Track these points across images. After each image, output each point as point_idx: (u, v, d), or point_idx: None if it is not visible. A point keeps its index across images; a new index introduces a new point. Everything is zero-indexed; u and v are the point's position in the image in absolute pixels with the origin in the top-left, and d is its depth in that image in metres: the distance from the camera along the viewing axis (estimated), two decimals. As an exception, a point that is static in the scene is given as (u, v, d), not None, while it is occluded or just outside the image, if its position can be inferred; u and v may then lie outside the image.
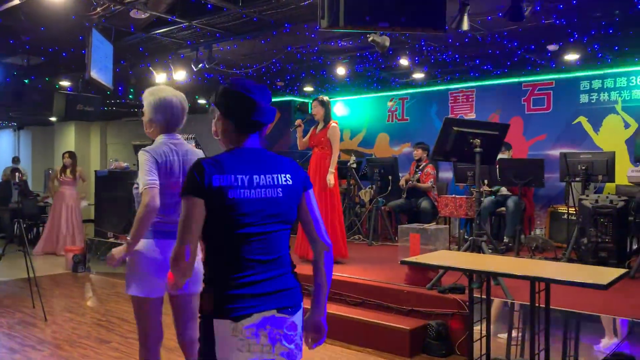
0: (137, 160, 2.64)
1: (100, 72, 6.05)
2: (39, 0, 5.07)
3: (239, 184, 1.77)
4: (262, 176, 1.82)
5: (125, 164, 8.66)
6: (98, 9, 5.45)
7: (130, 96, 11.05)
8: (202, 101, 12.06)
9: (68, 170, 8.96)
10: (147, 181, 2.53)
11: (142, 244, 2.59)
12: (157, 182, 2.56)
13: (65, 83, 9.40)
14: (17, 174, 9.37)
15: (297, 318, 1.87)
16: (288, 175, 1.87)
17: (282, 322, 1.80)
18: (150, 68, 7.99)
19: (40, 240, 8.98)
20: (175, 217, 2.47)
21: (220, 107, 1.89)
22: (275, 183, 1.84)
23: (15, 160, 13.90)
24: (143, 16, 5.59)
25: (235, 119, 1.86)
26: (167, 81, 8.11)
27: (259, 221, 1.80)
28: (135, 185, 2.62)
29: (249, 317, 1.74)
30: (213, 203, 1.75)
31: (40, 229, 10.29)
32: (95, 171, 9.12)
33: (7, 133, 18.47)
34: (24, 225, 9.51)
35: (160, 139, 2.72)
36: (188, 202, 1.76)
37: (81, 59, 6.34)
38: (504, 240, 6.49)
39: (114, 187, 8.20)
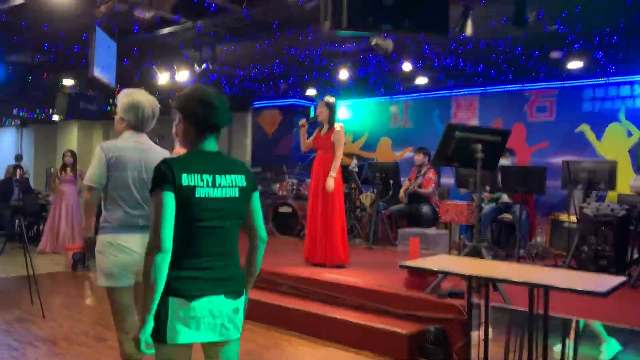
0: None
1: (104, 71, 6.06)
2: (44, -2, 5.09)
3: (204, 183, 1.98)
4: (223, 177, 2.04)
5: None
6: (102, 7, 5.46)
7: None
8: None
9: (68, 169, 8.97)
10: (87, 177, 2.83)
11: (109, 237, 2.79)
12: (97, 178, 2.79)
13: (68, 81, 9.42)
14: (18, 171, 9.39)
15: (240, 303, 2.12)
16: (243, 177, 2.10)
17: (228, 305, 2.04)
18: (154, 68, 8.01)
19: (42, 239, 8.97)
20: (137, 211, 2.82)
21: (182, 111, 2.08)
22: (233, 184, 2.06)
23: (18, 158, 13.91)
24: (147, 15, 5.60)
25: (196, 123, 2.06)
26: (170, 82, 8.13)
27: (218, 217, 2.02)
28: None
29: (201, 298, 1.96)
30: (181, 199, 1.95)
31: (41, 226, 10.30)
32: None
33: (10, 131, 18.51)
34: (25, 223, 9.55)
35: (126, 134, 2.92)
36: (160, 196, 1.93)
37: (85, 57, 6.36)
38: (520, 254, 6.22)
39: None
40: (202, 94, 2.07)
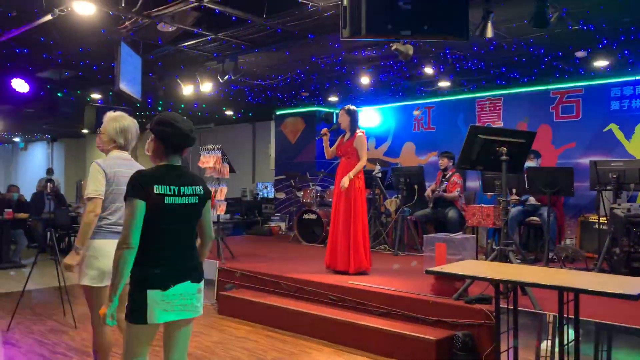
0: (91, 168, 3.20)
1: (129, 85, 6.19)
2: (70, 16, 5.22)
3: (172, 192, 2.43)
4: (186, 187, 2.48)
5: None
6: (127, 23, 5.59)
7: (159, 108, 11.26)
8: (228, 112, 12.22)
9: None
10: (91, 190, 3.12)
11: (102, 242, 3.15)
12: (101, 191, 3.14)
13: (96, 96, 9.64)
14: (49, 184, 9.62)
15: (201, 285, 2.58)
16: (200, 187, 2.55)
17: (193, 288, 2.51)
18: (178, 80, 8.14)
19: None
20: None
21: (154, 132, 2.49)
22: (194, 193, 2.51)
23: (49, 171, 14.26)
24: (170, 29, 5.71)
25: (165, 142, 2.48)
26: (195, 93, 8.25)
27: (182, 220, 2.50)
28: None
29: (174, 287, 2.43)
30: (153, 205, 2.37)
31: (72, 238, 10.52)
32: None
33: (41, 145, 19.01)
34: (57, 235, 9.76)
35: (115, 153, 3.31)
36: (133, 204, 2.35)
37: (111, 72, 6.50)
38: (550, 256, 6.09)
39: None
40: (171, 119, 2.49)
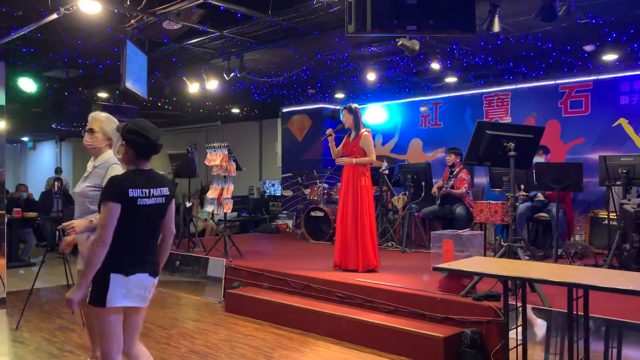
0: (111, 171, 3.27)
1: (135, 83, 6.19)
2: (76, 15, 5.23)
3: (143, 194, 2.68)
4: (155, 189, 2.74)
5: (161, 172, 8.81)
6: (132, 21, 5.59)
7: (166, 106, 11.28)
8: (235, 110, 12.22)
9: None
10: None
11: None
12: None
13: (102, 94, 9.67)
14: (57, 183, 9.67)
15: (156, 281, 2.82)
16: (166, 189, 2.80)
17: (150, 281, 2.75)
18: (184, 78, 8.14)
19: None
20: None
21: (127, 140, 2.73)
22: (162, 194, 2.77)
23: (58, 170, 14.35)
24: (175, 27, 5.70)
25: (134, 149, 2.73)
26: (201, 90, 8.25)
27: (150, 218, 2.75)
28: (95, 189, 3.30)
29: (134, 275, 2.67)
30: (127, 206, 2.62)
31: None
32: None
33: (49, 144, 19.12)
34: (65, 234, 9.81)
35: (111, 153, 3.45)
36: (110, 205, 2.60)
37: (117, 70, 6.51)
38: (559, 252, 5.99)
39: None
40: (141, 128, 2.73)
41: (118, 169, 3.30)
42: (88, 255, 2.60)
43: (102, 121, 3.46)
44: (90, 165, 3.51)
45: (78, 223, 3.15)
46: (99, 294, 2.62)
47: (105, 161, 3.42)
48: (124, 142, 2.75)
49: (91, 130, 3.45)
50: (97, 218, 3.05)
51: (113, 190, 2.63)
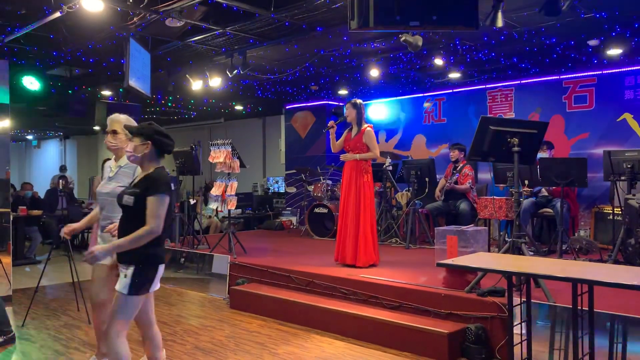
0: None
1: (139, 81, 6.19)
2: (79, 13, 5.23)
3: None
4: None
5: (166, 170, 8.81)
6: (135, 19, 5.59)
7: (169, 104, 11.29)
8: (238, 107, 12.22)
9: None
10: None
11: None
12: None
13: (106, 92, 9.68)
14: (61, 181, 9.70)
15: None
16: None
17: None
18: (187, 75, 8.14)
19: (90, 247, 9.20)
20: None
21: (154, 140, 2.96)
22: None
23: (63, 168, 14.40)
24: (178, 24, 5.70)
25: (161, 150, 3.00)
26: (204, 88, 8.25)
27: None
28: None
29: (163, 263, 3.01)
30: (170, 200, 2.93)
31: (86, 235, 10.61)
32: (136, 177, 9.35)
33: (54, 142, 19.18)
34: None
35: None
36: (164, 199, 2.86)
37: (120, 68, 6.52)
38: (563, 248, 5.99)
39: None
40: (166, 131, 3.04)
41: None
42: (132, 238, 2.79)
43: (124, 122, 3.58)
44: (113, 165, 3.64)
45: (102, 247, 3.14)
46: (144, 284, 2.87)
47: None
48: (149, 141, 2.94)
49: (114, 132, 3.59)
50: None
51: (164, 183, 2.87)
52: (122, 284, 2.86)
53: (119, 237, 2.91)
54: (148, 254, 2.84)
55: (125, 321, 2.88)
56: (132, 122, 3.56)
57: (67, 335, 4.83)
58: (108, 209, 3.52)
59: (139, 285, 2.84)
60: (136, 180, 3.02)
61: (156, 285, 2.97)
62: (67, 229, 3.73)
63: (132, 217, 2.85)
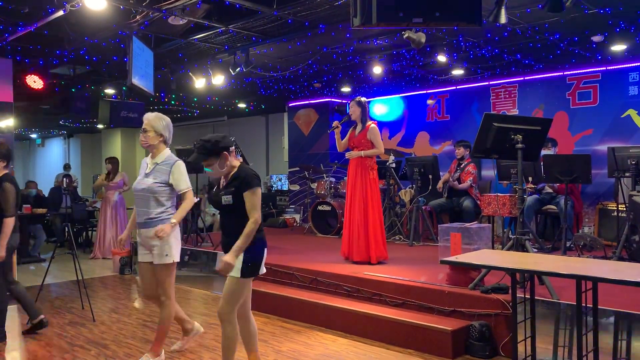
0: (176, 168, 3.81)
1: (142, 79, 6.20)
2: (82, 11, 5.24)
3: None
4: None
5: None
6: (137, 17, 5.59)
7: (172, 102, 11.30)
8: (241, 105, 12.22)
9: (112, 176, 9.21)
10: (189, 183, 3.87)
11: (176, 227, 3.78)
12: None
13: (109, 91, 9.69)
14: (65, 180, 9.71)
15: None
16: None
17: None
18: (190, 73, 8.14)
19: (95, 247, 9.22)
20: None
21: (227, 149, 3.21)
22: None
23: (66, 167, 14.44)
24: (181, 22, 5.70)
25: (227, 150, 3.23)
26: (207, 86, 8.25)
27: None
28: (162, 184, 3.77)
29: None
30: None
31: (90, 232, 10.64)
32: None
33: (57, 141, 19.22)
34: (74, 230, 9.88)
35: (168, 151, 3.90)
36: (260, 192, 3.21)
37: (124, 66, 6.52)
38: (567, 245, 5.99)
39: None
40: (214, 137, 3.24)
41: (183, 164, 3.83)
42: (248, 233, 3.10)
43: (152, 119, 3.81)
44: (149, 162, 3.86)
45: (166, 227, 3.63)
46: (254, 267, 3.21)
47: (168, 157, 3.83)
48: (225, 153, 3.19)
49: (144, 130, 3.81)
50: (177, 218, 3.71)
51: (254, 177, 3.18)
52: (234, 269, 3.15)
53: (224, 232, 3.29)
54: (254, 240, 3.16)
55: (237, 304, 3.21)
56: (162, 119, 3.83)
57: (71, 333, 4.85)
58: (144, 204, 3.74)
59: (250, 269, 3.17)
60: (228, 181, 3.25)
61: (263, 269, 3.27)
62: (120, 245, 4.03)
63: (232, 213, 3.18)
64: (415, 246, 7.11)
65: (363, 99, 5.91)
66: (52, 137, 19.21)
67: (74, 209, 9.98)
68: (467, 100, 9.44)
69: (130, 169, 12.32)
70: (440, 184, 7.47)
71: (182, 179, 3.82)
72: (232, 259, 3.11)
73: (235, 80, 8.64)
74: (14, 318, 5.46)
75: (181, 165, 3.82)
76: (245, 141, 13.21)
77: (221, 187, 3.30)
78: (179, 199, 3.87)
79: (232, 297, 3.20)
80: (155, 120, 3.81)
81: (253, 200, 3.15)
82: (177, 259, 3.83)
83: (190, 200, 3.81)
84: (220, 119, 14.20)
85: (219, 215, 3.58)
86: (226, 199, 3.16)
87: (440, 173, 7.67)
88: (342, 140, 5.99)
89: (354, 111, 5.87)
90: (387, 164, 7.80)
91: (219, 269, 3.17)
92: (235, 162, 3.27)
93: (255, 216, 3.14)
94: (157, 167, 3.78)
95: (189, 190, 3.83)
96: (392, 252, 6.25)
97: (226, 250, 3.22)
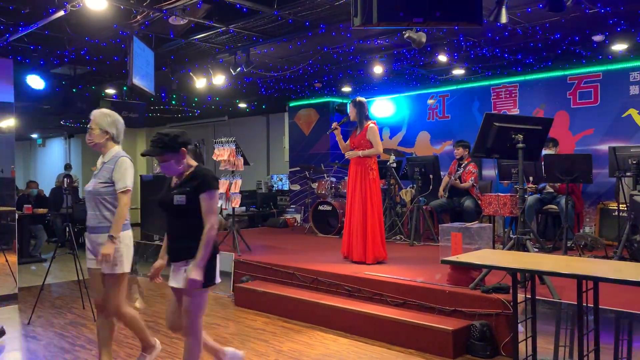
0: (120, 163, 3.46)
1: (143, 79, 6.20)
2: (83, 12, 5.24)
3: None
4: None
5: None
6: (138, 17, 5.59)
7: (173, 102, 11.29)
8: (242, 105, 12.22)
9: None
10: (130, 183, 3.46)
11: (130, 232, 3.54)
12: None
13: (110, 91, 9.69)
14: (66, 180, 9.72)
15: None
16: None
17: None
18: (191, 73, 8.14)
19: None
20: None
21: (186, 145, 3.01)
22: None
23: (67, 167, 14.44)
24: (182, 22, 5.70)
25: (185, 147, 3.03)
26: (208, 86, 8.25)
27: None
28: (107, 184, 3.44)
29: None
30: None
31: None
32: (141, 176, 9.37)
33: (58, 141, 19.22)
34: (75, 230, 9.88)
35: (117, 148, 3.57)
36: (217, 194, 2.95)
37: (124, 66, 6.52)
38: (568, 244, 5.99)
39: (159, 191, 8.35)
40: (172, 132, 3.02)
41: (127, 161, 3.47)
42: (207, 241, 2.87)
43: (97, 116, 3.54)
44: (99, 162, 3.58)
45: (109, 249, 3.32)
46: (211, 274, 2.96)
47: (115, 155, 3.50)
48: (183, 149, 2.98)
49: (89, 128, 3.54)
50: (115, 231, 3.35)
51: (213, 178, 2.96)
52: (186, 280, 2.88)
53: (172, 237, 3.04)
54: None
55: (198, 312, 3.00)
56: (107, 115, 3.55)
57: (72, 333, 4.85)
58: (92, 207, 3.47)
59: (206, 279, 2.90)
60: (183, 180, 3.01)
61: (218, 278, 3.04)
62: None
63: (182, 216, 2.95)
64: (416, 246, 7.10)
65: (360, 99, 5.90)
66: (52, 137, 19.21)
67: (75, 209, 9.97)
68: (467, 100, 9.43)
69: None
70: (441, 192, 7.47)
71: (124, 176, 3.43)
72: (199, 274, 2.85)
73: (236, 80, 8.64)
74: (14, 318, 5.47)
75: (125, 162, 3.46)
76: (245, 141, 13.20)
77: (173, 186, 3.06)
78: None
79: (193, 312, 2.98)
80: (100, 117, 3.53)
81: (211, 204, 2.92)
82: (127, 269, 3.50)
83: (125, 203, 3.41)
84: (221, 119, 14.20)
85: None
86: (179, 199, 2.92)
87: (441, 173, 7.67)
88: (345, 142, 5.99)
89: (351, 112, 5.89)
90: (388, 163, 7.80)
91: (185, 287, 2.89)
92: (192, 162, 3.05)
93: (212, 221, 2.91)
94: (104, 167, 3.49)
95: (126, 189, 3.42)
96: (393, 252, 6.25)
97: (173, 257, 3.01)
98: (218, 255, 3.04)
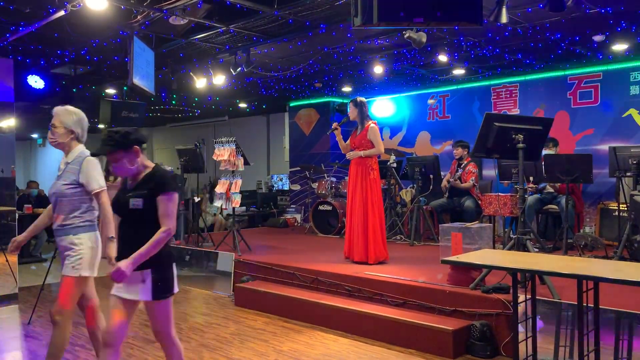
0: (86, 164, 3.27)
1: (143, 79, 6.19)
2: (83, 11, 5.24)
3: None
4: None
5: (170, 167, 8.83)
6: (138, 17, 5.59)
7: (173, 102, 11.29)
8: (242, 105, 12.22)
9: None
10: (102, 182, 3.30)
11: (96, 234, 3.35)
12: None
13: (110, 91, 9.69)
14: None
15: None
16: None
17: None
18: (191, 73, 8.14)
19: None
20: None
21: (139, 143, 2.80)
22: None
23: (67, 167, 14.41)
24: (182, 22, 5.70)
25: (140, 145, 2.81)
26: (208, 86, 8.25)
27: None
28: (72, 186, 3.25)
29: None
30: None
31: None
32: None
33: (58, 141, 19.19)
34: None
35: (82, 147, 3.36)
36: (176, 197, 2.76)
37: (124, 66, 6.52)
38: (569, 245, 5.97)
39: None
40: (126, 129, 2.85)
41: (93, 161, 3.28)
42: (157, 240, 2.66)
43: (61, 114, 3.33)
44: (62, 162, 3.37)
45: (112, 252, 3.08)
46: (167, 285, 2.79)
47: (79, 155, 3.31)
48: (135, 147, 2.78)
49: (52, 126, 3.32)
50: (110, 232, 3.16)
51: (171, 180, 2.79)
52: (142, 291, 2.72)
53: (124, 243, 2.76)
54: (161, 254, 2.70)
55: (171, 324, 2.91)
56: (71, 113, 3.34)
57: (73, 333, 4.84)
58: (57, 209, 3.31)
59: (162, 289, 2.75)
60: (139, 182, 2.80)
61: (176, 287, 2.86)
62: (12, 246, 3.41)
63: (138, 221, 2.72)
64: (416, 246, 7.10)
65: (360, 99, 5.90)
66: (53, 137, 19.19)
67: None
68: (468, 100, 9.43)
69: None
70: (444, 182, 7.47)
71: (93, 177, 3.25)
72: (127, 266, 2.60)
73: (236, 80, 8.64)
74: (14, 318, 5.47)
75: (92, 161, 3.27)
76: (246, 141, 13.18)
77: (128, 187, 2.84)
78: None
79: (161, 321, 2.86)
80: (64, 115, 3.32)
81: (168, 207, 2.70)
82: (86, 273, 3.27)
83: (105, 201, 3.24)
84: (221, 119, 14.20)
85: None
86: (134, 202, 2.70)
87: (442, 173, 7.68)
88: (345, 142, 6.00)
89: (351, 112, 5.89)
90: (388, 163, 7.80)
91: (109, 274, 2.65)
92: (148, 162, 2.84)
93: (168, 225, 2.69)
94: (68, 167, 3.28)
95: (102, 190, 3.26)
96: (393, 251, 6.25)
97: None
98: (175, 265, 2.86)
